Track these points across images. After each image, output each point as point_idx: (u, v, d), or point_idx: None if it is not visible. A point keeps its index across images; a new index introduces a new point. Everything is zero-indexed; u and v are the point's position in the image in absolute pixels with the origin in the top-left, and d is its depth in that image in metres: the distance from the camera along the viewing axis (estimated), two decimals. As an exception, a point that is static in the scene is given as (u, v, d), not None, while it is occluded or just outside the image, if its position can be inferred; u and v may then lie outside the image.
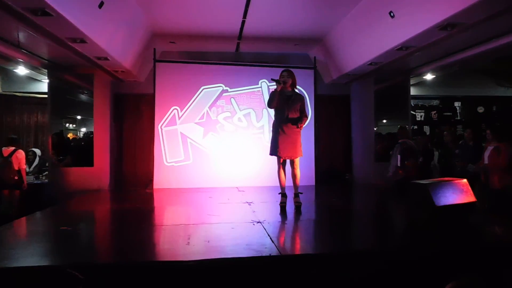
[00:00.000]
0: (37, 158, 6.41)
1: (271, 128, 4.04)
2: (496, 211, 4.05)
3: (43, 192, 5.59)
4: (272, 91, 3.88)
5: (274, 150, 3.85)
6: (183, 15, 4.99)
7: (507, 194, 4.22)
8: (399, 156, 4.89)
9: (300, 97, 3.92)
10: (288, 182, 3.97)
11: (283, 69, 4.02)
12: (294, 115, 3.80)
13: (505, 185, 4.21)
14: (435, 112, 7.98)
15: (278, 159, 3.91)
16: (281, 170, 3.93)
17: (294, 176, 3.89)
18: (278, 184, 4.00)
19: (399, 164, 4.88)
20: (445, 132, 5.65)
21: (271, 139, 3.93)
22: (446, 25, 3.79)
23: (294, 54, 6.67)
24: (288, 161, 3.91)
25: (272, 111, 6.18)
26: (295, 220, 3.66)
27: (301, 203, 3.87)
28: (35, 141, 7.54)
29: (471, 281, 1.43)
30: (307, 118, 3.89)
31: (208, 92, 6.15)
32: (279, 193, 3.99)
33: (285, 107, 3.79)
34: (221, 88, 6.18)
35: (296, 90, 4.01)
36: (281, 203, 3.94)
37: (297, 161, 3.88)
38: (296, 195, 3.90)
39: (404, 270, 2.31)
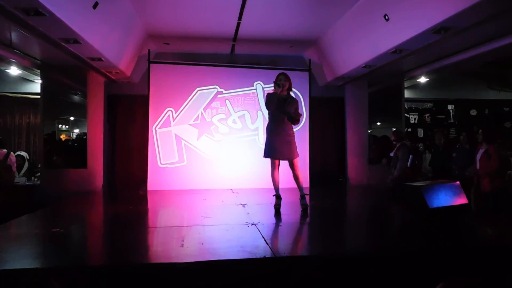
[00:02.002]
0: (26, 163, 6.27)
1: (265, 130, 4.02)
2: (487, 213, 4.10)
3: (35, 193, 5.51)
4: (270, 93, 3.86)
5: (269, 153, 3.83)
6: (178, 16, 4.98)
7: (498, 196, 4.28)
8: (411, 157, 4.91)
9: (295, 101, 3.94)
10: (285, 184, 3.95)
11: (278, 71, 4.03)
12: (290, 117, 3.80)
13: (495, 187, 4.27)
14: (428, 115, 8.06)
15: (272, 161, 3.90)
16: (276, 172, 3.91)
17: (296, 177, 3.86)
18: (272, 186, 3.99)
19: (409, 165, 4.89)
20: (436, 135, 5.70)
21: (266, 142, 3.91)
22: (440, 29, 3.83)
23: (288, 56, 6.68)
24: (281, 162, 3.90)
25: (266, 113, 6.26)
26: (290, 222, 3.66)
27: (307, 205, 3.84)
28: (27, 142, 7.45)
29: (461, 281, 1.44)
30: (301, 115, 3.91)
31: (203, 93, 6.14)
32: (273, 195, 3.98)
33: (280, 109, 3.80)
34: (215, 90, 6.17)
35: (291, 94, 4.02)
36: (275, 205, 3.93)
37: (296, 162, 3.86)
38: (302, 197, 3.84)
39: (396, 270, 2.32)
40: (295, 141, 3.87)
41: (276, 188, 3.94)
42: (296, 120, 3.81)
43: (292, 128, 3.90)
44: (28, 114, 7.51)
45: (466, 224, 3.19)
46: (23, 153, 6.40)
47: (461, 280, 1.40)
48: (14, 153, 5.99)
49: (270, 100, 3.79)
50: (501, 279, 2.10)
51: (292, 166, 3.86)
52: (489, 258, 2.45)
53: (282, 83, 3.79)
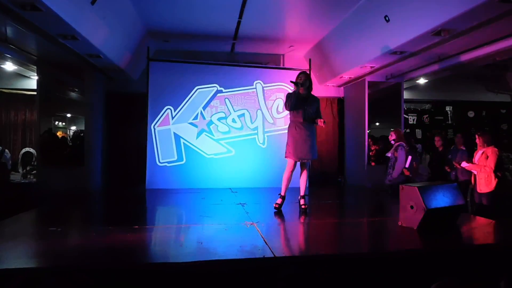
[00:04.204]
0: (34, 159, 6.19)
1: (287, 130, 3.95)
2: (483, 214, 4.12)
3: (31, 191, 5.46)
4: (289, 93, 3.86)
5: (293, 155, 3.79)
6: (178, 13, 4.94)
7: (494, 197, 4.31)
8: (409, 157, 4.91)
9: (316, 99, 3.92)
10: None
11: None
12: (311, 117, 3.80)
13: (492, 189, 4.30)
14: (427, 116, 8.09)
15: (291, 162, 3.86)
16: (290, 174, 3.89)
17: (304, 177, 3.89)
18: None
19: (407, 165, 4.89)
20: (436, 137, 5.70)
21: (289, 142, 3.86)
22: (440, 31, 3.84)
23: (289, 56, 6.66)
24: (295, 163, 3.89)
25: (266, 113, 6.24)
26: (289, 222, 3.65)
27: (307, 205, 3.88)
28: (23, 139, 7.37)
29: (455, 281, 1.44)
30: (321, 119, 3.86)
31: (202, 92, 6.10)
32: (278, 194, 3.93)
33: (302, 109, 3.77)
34: (215, 88, 6.13)
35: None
36: (276, 204, 3.89)
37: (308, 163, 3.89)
38: (303, 197, 3.88)
39: (393, 271, 2.31)
40: (316, 142, 3.88)
41: (285, 189, 3.91)
42: (315, 122, 3.80)
43: (314, 128, 3.89)
44: (24, 111, 7.42)
45: (463, 225, 3.20)
46: (32, 150, 6.32)
47: (455, 281, 1.40)
48: (22, 150, 5.92)
49: (291, 99, 3.75)
50: (497, 280, 2.10)
51: (304, 166, 3.87)
52: (485, 259, 2.45)
53: (303, 81, 3.75)
